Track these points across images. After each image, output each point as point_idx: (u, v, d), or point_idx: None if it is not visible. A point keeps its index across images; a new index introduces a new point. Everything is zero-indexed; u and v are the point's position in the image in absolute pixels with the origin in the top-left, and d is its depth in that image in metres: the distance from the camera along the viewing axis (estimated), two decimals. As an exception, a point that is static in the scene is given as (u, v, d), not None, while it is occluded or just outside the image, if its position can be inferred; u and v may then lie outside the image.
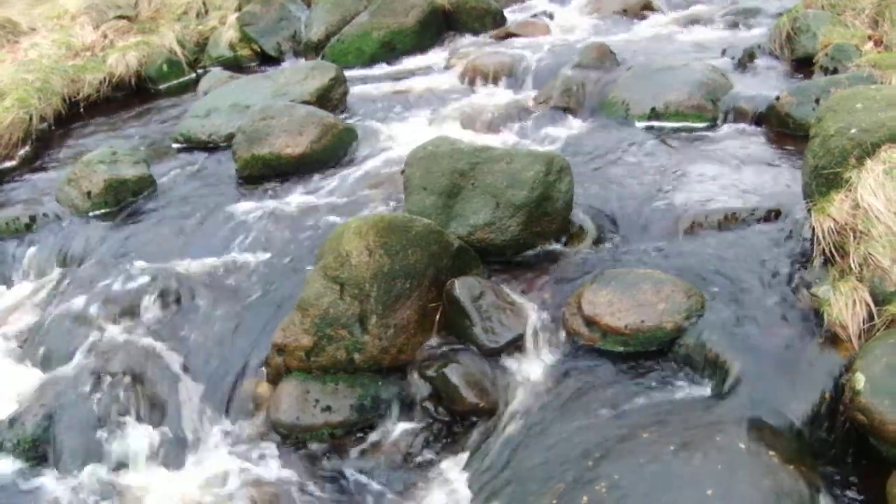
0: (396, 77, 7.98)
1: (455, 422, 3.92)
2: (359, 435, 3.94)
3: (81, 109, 8.26)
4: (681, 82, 6.33)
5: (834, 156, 4.15)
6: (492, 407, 3.86)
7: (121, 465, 3.93)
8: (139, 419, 4.09)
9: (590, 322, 4.06)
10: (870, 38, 6.71)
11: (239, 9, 10.03)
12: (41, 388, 4.30)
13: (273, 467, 3.85)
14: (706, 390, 3.74)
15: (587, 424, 3.65)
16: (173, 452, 4.00)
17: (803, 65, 6.91)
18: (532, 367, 4.03)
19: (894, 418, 3.16)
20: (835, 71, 6.35)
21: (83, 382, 4.21)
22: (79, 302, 4.83)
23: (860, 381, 3.28)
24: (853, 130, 4.13)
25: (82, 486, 3.85)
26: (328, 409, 3.94)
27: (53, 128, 7.85)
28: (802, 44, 7.05)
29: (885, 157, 3.99)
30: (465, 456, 3.76)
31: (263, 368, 4.25)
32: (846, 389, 3.39)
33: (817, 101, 5.65)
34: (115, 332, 4.57)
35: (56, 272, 5.33)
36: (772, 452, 3.28)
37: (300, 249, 4.92)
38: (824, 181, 4.20)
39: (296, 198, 5.57)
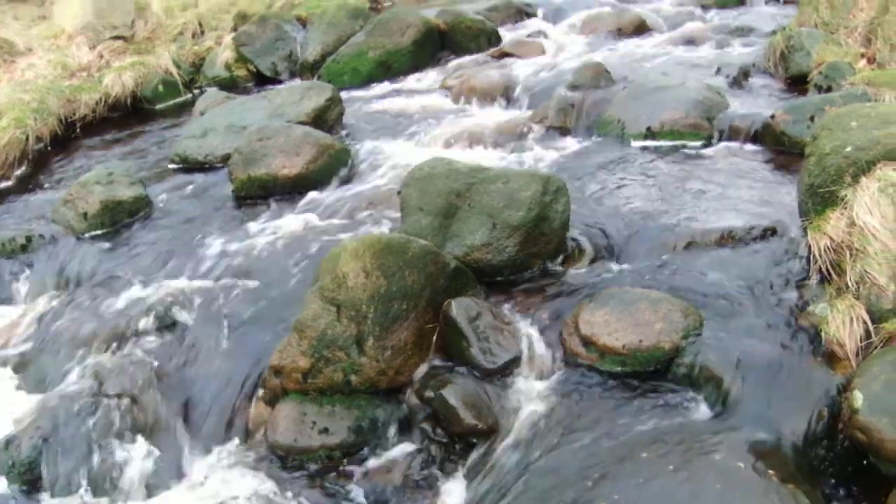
0: (392, 97, 8.02)
1: (453, 443, 3.90)
2: (356, 457, 3.91)
3: (78, 130, 8.27)
4: (676, 101, 6.36)
5: (829, 174, 4.17)
6: (490, 428, 3.84)
7: (116, 489, 3.90)
8: (135, 442, 4.06)
9: (587, 342, 4.05)
10: (863, 55, 6.76)
11: (235, 29, 10.10)
12: (37, 410, 4.26)
13: (270, 490, 3.81)
14: (705, 410, 3.73)
15: (586, 445, 3.64)
16: (169, 475, 3.97)
17: (797, 83, 6.97)
18: (530, 388, 4.01)
19: (893, 436, 3.15)
20: (829, 89, 6.39)
21: (79, 404, 4.17)
22: (75, 323, 4.81)
23: (858, 399, 3.28)
24: (848, 148, 4.15)
25: (78, 510, 3.84)
26: (325, 430, 3.93)
27: (50, 148, 7.85)
28: (796, 62, 7.11)
29: (881, 175, 4.00)
30: (463, 477, 3.74)
31: (260, 390, 4.23)
32: (844, 408, 3.39)
33: (812, 118, 5.69)
34: (111, 353, 4.55)
35: (52, 293, 5.30)
36: (771, 471, 3.26)
37: (297, 270, 4.91)
38: (820, 199, 4.21)
39: (292, 218, 5.57)
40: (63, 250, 5.65)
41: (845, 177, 4.11)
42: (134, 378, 4.31)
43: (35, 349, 4.79)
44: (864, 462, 3.34)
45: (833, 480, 3.39)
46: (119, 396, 4.19)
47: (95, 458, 3.97)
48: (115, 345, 4.62)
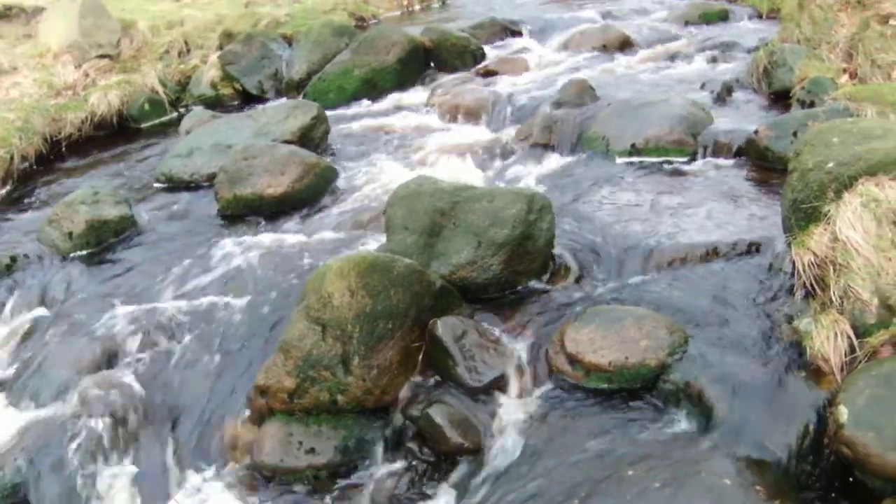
0: (378, 115, 8.03)
1: (440, 462, 3.89)
2: (343, 477, 3.90)
3: (63, 149, 8.28)
4: (661, 117, 6.38)
5: (812, 190, 4.18)
6: (476, 446, 3.83)
7: (103, 511, 3.90)
8: (121, 463, 4.05)
9: (573, 360, 4.05)
10: (845, 70, 6.80)
11: (220, 48, 10.11)
12: (21, 431, 4.25)
13: (257, 511, 3.82)
14: (691, 426, 3.73)
15: (573, 462, 3.64)
16: (155, 496, 3.95)
17: (781, 98, 7.01)
18: (516, 406, 4.01)
19: (878, 450, 3.15)
20: (811, 104, 6.42)
21: (64, 426, 4.17)
22: (60, 344, 4.80)
23: (843, 413, 3.28)
24: (830, 164, 4.17)
25: (63, 533, 3.81)
26: (312, 450, 3.92)
27: (35, 167, 7.86)
28: (779, 77, 7.15)
29: (863, 190, 4.02)
30: (450, 496, 3.73)
31: (246, 410, 4.22)
32: (830, 422, 3.39)
33: (795, 134, 5.71)
34: (96, 374, 4.52)
35: (37, 313, 5.27)
36: (758, 487, 3.28)
37: (283, 290, 4.90)
38: (803, 215, 4.23)
39: (278, 238, 5.57)
40: (48, 270, 5.64)
41: (828, 192, 4.13)
42: (119, 398, 4.29)
43: (19, 370, 4.77)
44: (850, 477, 3.34)
45: (819, 495, 3.38)
46: (104, 417, 4.19)
47: (81, 480, 3.95)
48: (100, 365, 4.60)
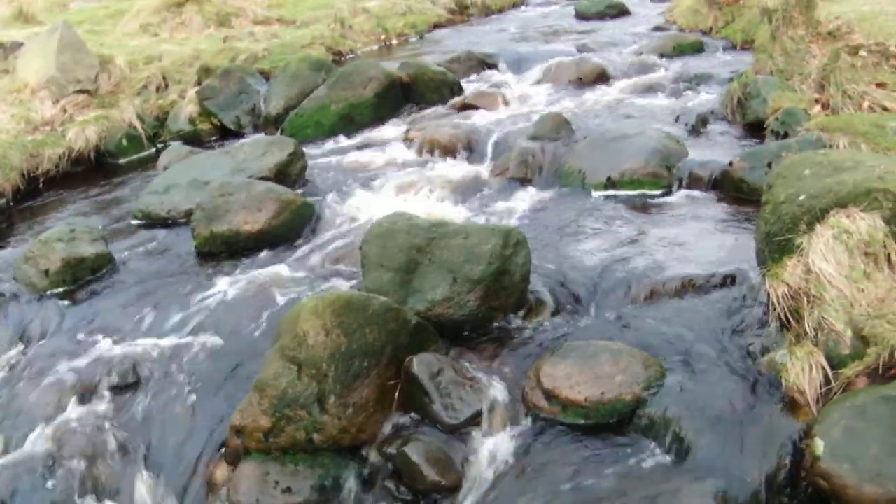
0: (355, 150, 8.04)
1: (417, 500, 3.85)
2: (320, 516, 3.88)
3: (40, 185, 8.24)
4: (636, 150, 6.43)
5: (785, 222, 4.22)
6: (454, 484, 3.81)
7: (76, 555, 3.85)
8: (96, 504, 4.01)
9: (549, 396, 4.05)
10: (817, 101, 6.89)
11: (199, 83, 10.13)
12: (-5, 473, 4.21)
13: (232, 553, 3.77)
14: (667, 460, 3.73)
15: (550, 498, 3.63)
16: (131, 539, 3.92)
17: (755, 129, 7.08)
18: (493, 443, 3.99)
19: (855, 482, 3.16)
20: (785, 135, 6.49)
21: (38, 467, 4.12)
22: (34, 383, 4.74)
23: (819, 446, 3.29)
24: (802, 197, 4.21)
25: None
26: (288, 490, 3.88)
27: (11, 204, 7.82)
28: (753, 108, 7.23)
29: (834, 223, 4.06)
30: (427, 535, 3.72)
31: (222, 450, 4.18)
32: (806, 455, 3.39)
33: (769, 165, 5.77)
34: (71, 414, 4.48)
35: (12, 352, 5.21)
36: (734, 522, 3.28)
37: (259, 328, 4.89)
38: (777, 247, 4.26)
39: (255, 275, 5.54)
40: (24, 308, 5.59)
41: (800, 224, 4.17)
42: (94, 439, 4.26)
43: (-7, 410, 4.72)
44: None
45: (796, 529, 3.40)
46: (79, 458, 4.14)
47: (55, 523, 3.90)
48: (75, 405, 4.55)
